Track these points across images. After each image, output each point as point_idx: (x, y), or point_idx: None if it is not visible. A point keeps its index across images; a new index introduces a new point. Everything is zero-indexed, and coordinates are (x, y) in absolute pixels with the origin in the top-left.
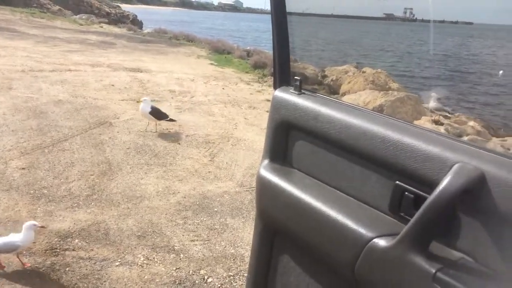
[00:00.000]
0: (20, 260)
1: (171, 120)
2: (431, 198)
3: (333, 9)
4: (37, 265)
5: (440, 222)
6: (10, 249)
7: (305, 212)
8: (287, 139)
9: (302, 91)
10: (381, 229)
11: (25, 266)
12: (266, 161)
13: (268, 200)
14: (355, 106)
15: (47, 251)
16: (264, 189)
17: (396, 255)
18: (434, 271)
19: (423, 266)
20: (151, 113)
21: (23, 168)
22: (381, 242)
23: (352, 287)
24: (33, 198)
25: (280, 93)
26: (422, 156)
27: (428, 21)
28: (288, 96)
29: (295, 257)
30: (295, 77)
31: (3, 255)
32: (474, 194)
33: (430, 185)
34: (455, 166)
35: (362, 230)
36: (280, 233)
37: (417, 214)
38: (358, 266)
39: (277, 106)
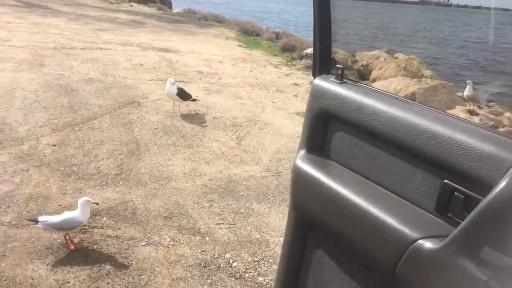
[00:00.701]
0: (69, 238)
1: (194, 99)
2: (486, 200)
3: None
4: (65, 241)
5: (494, 227)
6: (73, 225)
7: (343, 206)
8: (326, 129)
9: (344, 80)
10: (426, 230)
11: (70, 247)
12: (302, 152)
13: (303, 191)
14: (401, 98)
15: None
16: (300, 180)
17: (444, 258)
18: (486, 278)
19: (474, 272)
20: (177, 94)
21: (54, 145)
22: (427, 244)
23: (390, 286)
24: (63, 175)
25: (320, 82)
26: (476, 155)
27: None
28: (328, 85)
29: (330, 252)
30: (337, 65)
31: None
32: None
33: (484, 187)
34: None
35: (406, 230)
36: (315, 226)
37: (470, 217)
38: (401, 267)
39: (316, 95)
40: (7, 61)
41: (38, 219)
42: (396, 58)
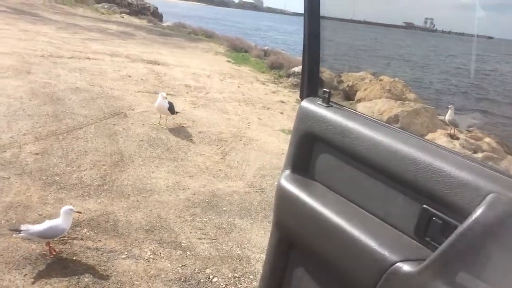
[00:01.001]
0: (50, 247)
1: (177, 112)
2: (462, 227)
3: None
4: (44, 252)
5: (470, 252)
6: (55, 233)
7: (325, 227)
8: (312, 151)
9: (330, 103)
10: (405, 253)
11: (52, 254)
12: (287, 171)
13: (287, 211)
14: (385, 124)
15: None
16: (284, 200)
17: (422, 282)
18: None
19: None
20: (169, 108)
21: (36, 154)
22: (405, 267)
23: None
24: (44, 184)
25: (307, 104)
26: (454, 182)
27: (449, 32)
28: (315, 107)
29: (311, 272)
30: (324, 89)
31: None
32: (508, 226)
33: (461, 213)
34: (490, 196)
35: (385, 252)
36: (297, 246)
37: (447, 242)
38: None
39: (303, 116)
40: None
41: (21, 228)
42: (381, 80)
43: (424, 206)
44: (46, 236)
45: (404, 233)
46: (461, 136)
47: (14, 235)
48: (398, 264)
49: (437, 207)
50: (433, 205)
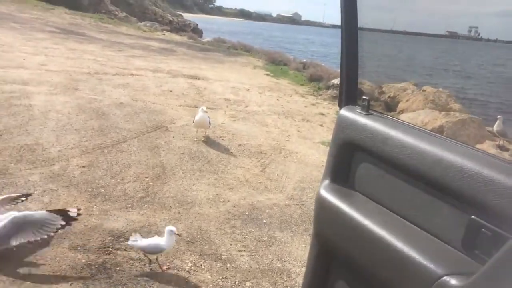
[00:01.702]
0: (159, 264)
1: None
2: None
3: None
4: (89, 262)
5: None
6: (155, 250)
7: (367, 238)
8: (351, 160)
9: (370, 111)
10: (452, 266)
11: (162, 269)
12: (327, 181)
13: (327, 222)
14: (428, 131)
15: (100, 249)
16: (324, 210)
17: None
18: None
19: None
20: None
21: (83, 166)
22: (453, 281)
23: None
24: (90, 196)
25: (346, 112)
26: (505, 191)
27: (495, 40)
28: (354, 116)
29: (352, 283)
30: (363, 97)
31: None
32: None
33: None
34: None
35: (431, 266)
36: (338, 257)
37: (497, 255)
38: None
39: (342, 125)
40: (43, 85)
41: (129, 238)
42: (424, 90)
43: (472, 216)
44: (147, 251)
45: (451, 245)
46: (511, 147)
47: (125, 242)
48: (445, 277)
49: (486, 218)
50: (482, 215)
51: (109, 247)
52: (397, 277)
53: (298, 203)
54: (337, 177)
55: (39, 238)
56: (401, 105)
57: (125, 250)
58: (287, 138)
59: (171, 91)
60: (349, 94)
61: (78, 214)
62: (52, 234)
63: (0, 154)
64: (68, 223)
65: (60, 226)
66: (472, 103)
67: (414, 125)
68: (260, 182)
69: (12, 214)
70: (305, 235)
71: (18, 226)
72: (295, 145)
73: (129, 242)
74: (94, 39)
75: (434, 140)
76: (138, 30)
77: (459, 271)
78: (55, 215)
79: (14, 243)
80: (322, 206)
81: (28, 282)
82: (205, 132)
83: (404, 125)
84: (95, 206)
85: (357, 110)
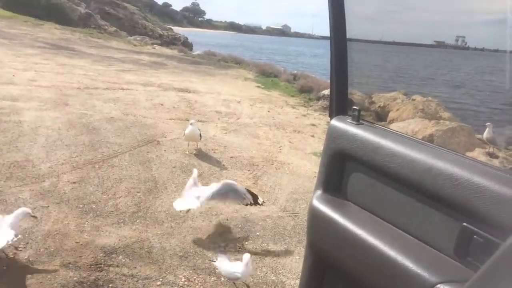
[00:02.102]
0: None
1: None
2: (506, 244)
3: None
4: (81, 279)
5: None
6: (230, 277)
7: (360, 248)
8: (343, 170)
9: (360, 121)
10: (445, 274)
11: None
12: (319, 192)
13: (320, 232)
14: (419, 140)
15: (92, 266)
16: (317, 221)
17: None
18: None
19: None
20: (200, 135)
21: (74, 182)
22: None
23: None
24: (81, 212)
25: (337, 123)
26: (495, 198)
27: (481, 49)
28: (345, 126)
29: None
30: (354, 107)
31: None
32: None
33: (504, 231)
34: None
35: (425, 274)
36: (332, 267)
37: (490, 261)
38: None
39: (333, 135)
40: (33, 100)
41: (217, 258)
42: (413, 100)
43: (464, 224)
44: (223, 274)
45: (443, 253)
46: (500, 154)
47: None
48: (438, 286)
49: (478, 225)
50: (473, 223)
51: (101, 263)
52: (391, 286)
53: (291, 214)
54: (329, 187)
55: (236, 201)
56: (391, 115)
57: (117, 266)
58: (279, 150)
59: (162, 104)
60: (339, 104)
61: (262, 204)
62: (242, 203)
63: None
64: (252, 203)
65: (248, 203)
66: (461, 111)
67: (405, 134)
68: None
69: (224, 181)
70: (299, 247)
71: (228, 188)
72: (287, 157)
73: (216, 263)
74: (84, 54)
75: (424, 149)
76: (128, 44)
77: (452, 279)
78: (249, 195)
79: (227, 198)
80: (315, 217)
81: None
82: (197, 145)
83: (395, 134)
84: (86, 222)
85: (348, 120)
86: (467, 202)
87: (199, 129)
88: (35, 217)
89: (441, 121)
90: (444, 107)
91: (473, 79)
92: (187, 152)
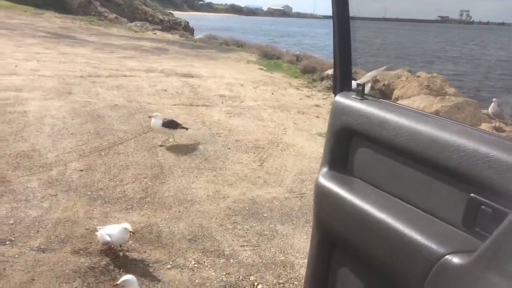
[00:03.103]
0: None
1: (185, 128)
2: None
3: (384, 13)
4: (92, 265)
5: None
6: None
7: (368, 223)
8: (348, 146)
9: (365, 96)
10: (454, 245)
11: None
12: (325, 169)
13: (327, 209)
14: (424, 113)
15: (103, 252)
16: (323, 198)
17: (473, 273)
18: None
19: (505, 287)
20: (163, 125)
21: (81, 170)
22: (455, 259)
23: None
24: (90, 200)
25: (341, 99)
26: (503, 167)
27: (487, 22)
28: (350, 101)
29: (355, 270)
30: (357, 82)
31: None
32: None
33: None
34: None
35: (432, 245)
36: (340, 245)
37: (498, 230)
38: (428, 283)
39: (338, 112)
40: (36, 90)
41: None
42: (418, 76)
43: (472, 195)
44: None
45: (451, 224)
46: (507, 128)
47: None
48: (447, 256)
49: (485, 195)
50: (481, 193)
51: (112, 249)
52: (399, 259)
53: (297, 195)
54: (335, 164)
55: None
56: (396, 92)
57: (127, 251)
58: (284, 131)
59: (165, 90)
60: (343, 80)
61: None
62: None
63: None
64: None
65: None
66: (466, 86)
67: (409, 107)
68: (259, 177)
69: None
70: (307, 227)
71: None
72: (292, 138)
73: None
74: (85, 42)
75: (430, 121)
76: (129, 30)
77: (461, 249)
78: None
79: None
80: (321, 194)
81: None
82: (173, 137)
83: (400, 108)
84: (95, 209)
85: (352, 96)
86: (475, 173)
87: (166, 120)
88: (133, 233)
89: (447, 97)
90: (449, 83)
91: (478, 53)
92: (160, 143)
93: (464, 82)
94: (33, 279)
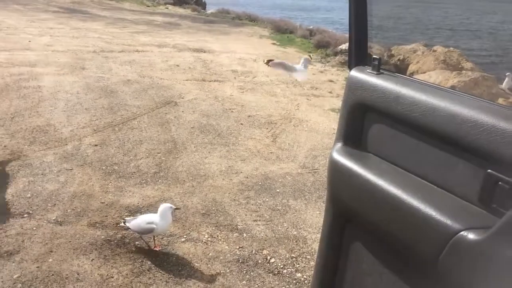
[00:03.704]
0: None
1: None
2: None
3: None
4: (109, 238)
5: None
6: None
7: (382, 199)
8: (363, 121)
9: (381, 71)
10: (470, 221)
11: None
12: (339, 144)
13: (341, 185)
14: (441, 87)
15: (118, 225)
16: (337, 174)
17: (489, 249)
18: None
19: None
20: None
21: (95, 145)
22: (471, 235)
23: (431, 278)
24: (105, 174)
25: (356, 73)
26: None
27: None
28: (365, 76)
29: (369, 245)
30: (373, 56)
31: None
32: None
33: None
34: None
35: (448, 221)
36: (353, 220)
37: None
38: (443, 258)
39: (353, 86)
40: (50, 66)
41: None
42: (434, 51)
43: (489, 170)
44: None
45: (468, 200)
46: None
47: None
48: (463, 232)
49: (503, 171)
50: (498, 169)
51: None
52: (413, 235)
53: (310, 171)
54: (350, 140)
55: None
56: (411, 67)
57: None
58: (297, 107)
59: (177, 65)
60: (358, 54)
61: None
62: None
63: (13, 136)
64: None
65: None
66: (482, 61)
67: (426, 82)
68: (271, 152)
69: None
70: (319, 202)
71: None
72: (305, 114)
73: None
74: (98, 17)
75: (447, 96)
76: (141, 5)
77: (477, 225)
78: None
79: None
80: (335, 170)
81: (51, 260)
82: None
83: (416, 83)
84: (110, 184)
85: (368, 70)
86: (493, 148)
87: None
88: (178, 208)
89: (463, 71)
90: (466, 57)
91: (497, 27)
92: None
93: (481, 56)
94: (51, 251)
